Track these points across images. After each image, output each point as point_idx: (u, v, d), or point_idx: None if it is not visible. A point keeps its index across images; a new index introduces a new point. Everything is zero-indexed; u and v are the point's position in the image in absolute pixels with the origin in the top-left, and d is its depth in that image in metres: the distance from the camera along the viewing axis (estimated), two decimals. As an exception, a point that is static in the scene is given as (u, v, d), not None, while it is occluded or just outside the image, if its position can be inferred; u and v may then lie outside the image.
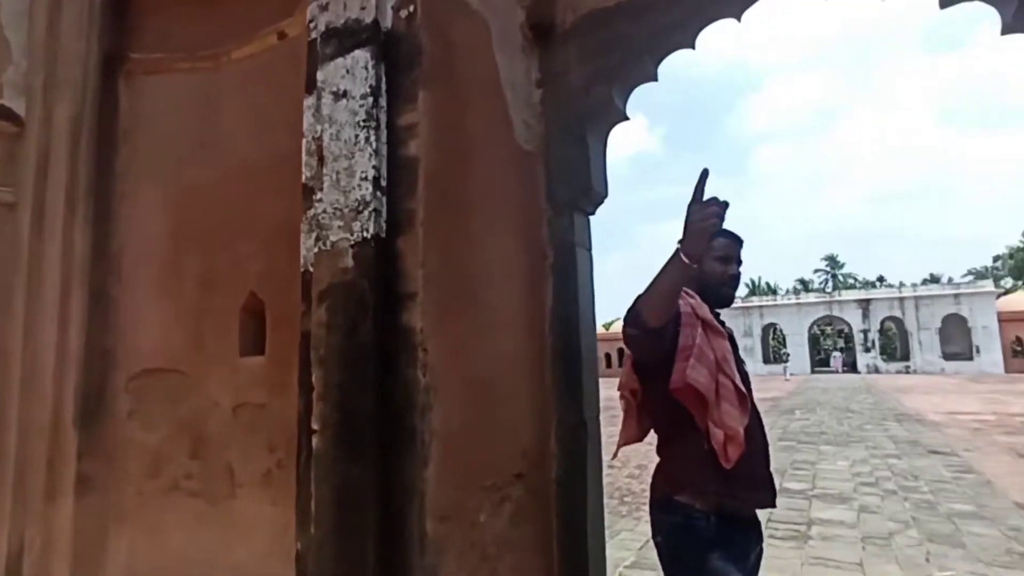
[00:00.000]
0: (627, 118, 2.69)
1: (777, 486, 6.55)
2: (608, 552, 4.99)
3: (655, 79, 2.63)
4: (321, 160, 2.08)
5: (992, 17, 2.12)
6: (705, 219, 1.55)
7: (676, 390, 1.71)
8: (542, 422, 2.38)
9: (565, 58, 2.65)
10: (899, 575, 4.13)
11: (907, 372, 39.19)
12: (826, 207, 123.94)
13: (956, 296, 40.13)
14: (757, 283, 69.08)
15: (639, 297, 1.69)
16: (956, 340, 39.66)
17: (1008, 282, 53.07)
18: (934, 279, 52.50)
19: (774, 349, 48.89)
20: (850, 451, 9.44)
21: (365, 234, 1.94)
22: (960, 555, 4.50)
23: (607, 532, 5.54)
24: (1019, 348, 38.58)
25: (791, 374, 38.02)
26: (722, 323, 1.88)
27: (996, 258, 62.15)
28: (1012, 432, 11.16)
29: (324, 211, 2.04)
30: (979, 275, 52.59)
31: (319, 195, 2.06)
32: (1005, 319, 38.29)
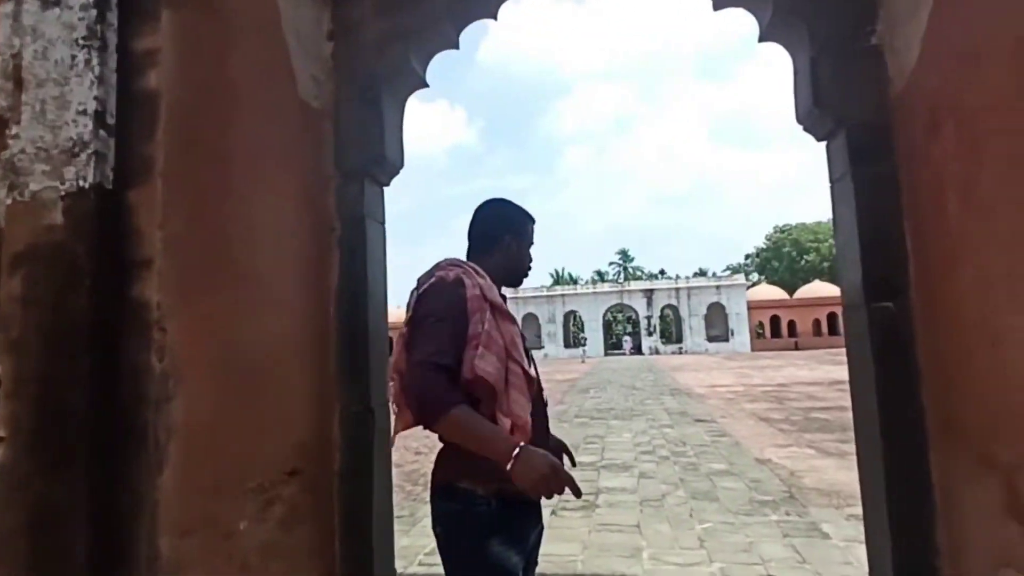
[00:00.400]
0: (426, 85, 2.53)
1: (570, 460, 6.68)
2: (408, 541, 4.89)
3: (455, 46, 2.50)
4: (20, 85, 1.60)
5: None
6: (551, 485, 1.43)
7: (467, 382, 1.60)
8: (323, 411, 2.14)
9: (360, 11, 2.40)
10: (669, 532, 4.60)
11: (680, 353, 45.21)
12: (621, 206, 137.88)
13: (718, 287, 47.28)
14: (561, 273, 74.34)
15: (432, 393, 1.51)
16: (717, 324, 46.77)
17: (755, 276, 63.82)
18: (702, 272, 61.13)
19: (574, 334, 53.05)
20: (633, 424, 10.49)
21: (82, 183, 1.52)
22: (715, 508, 5.17)
23: (409, 520, 5.44)
24: (761, 331, 46.77)
25: (588, 356, 41.53)
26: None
27: (747, 256, 74.43)
28: (754, 400, 13.36)
29: (23, 151, 1.57)
30: (735, 270, 62.46)
31: (15, 130, 1.58)
32: (752, 307, 46.13)
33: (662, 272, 69.86)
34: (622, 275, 70.72)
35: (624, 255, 74.63)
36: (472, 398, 1.60)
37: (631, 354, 46.75)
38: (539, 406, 1.73)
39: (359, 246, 2.28)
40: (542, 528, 1.82)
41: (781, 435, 8.76)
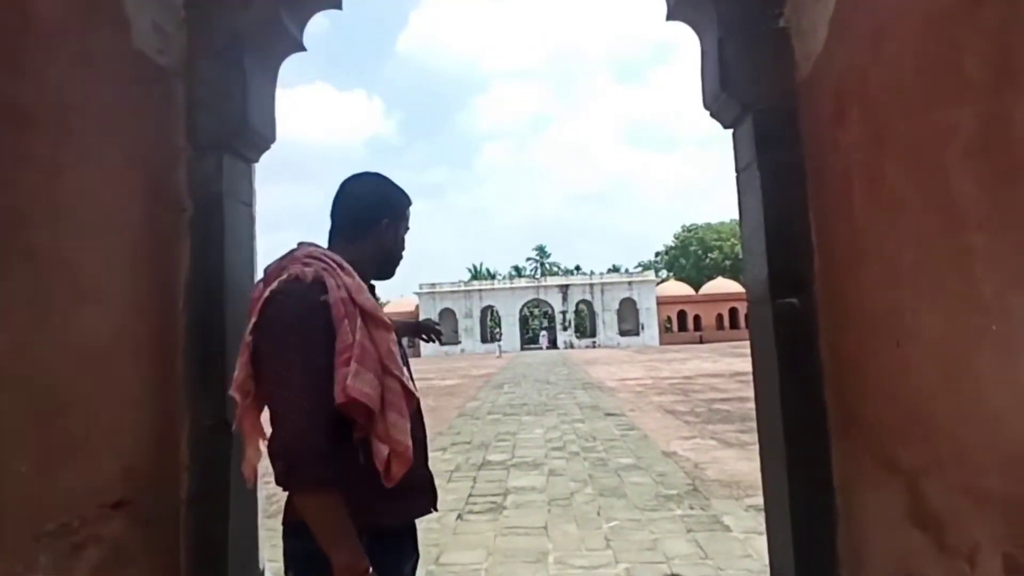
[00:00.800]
0: (302, 48, 2.21)
1: (480, 459, 6.64)
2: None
3: (337, 5, 2.20)
4: None
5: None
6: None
7: (339, 406, 1.32)
8: (166, 426, 1.79)
9: (221, -46, 2.05)
10: (576, 532, 4.50)
11: (594, 347, 46.34)
12: (537, 203, 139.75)
13: (629, 283, 48.83)
14: (479, 268, 74.26)
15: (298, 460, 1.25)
16: (628, 319, 48.33)
17: (664, 273, 66.59)
18: (615, 269, 62.97)
19: (491, 329, 53.14)
20: (546, 419, 10.47)
21: None
22: (623, 504, 5.14)
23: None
24: (669, 326, 48.79)
25: (503, 351, 41.68)
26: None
27: (657, 253, 77.50)
28: (662, 392, 13.76)
29: None
30: (646, 267, 64.85)
31: None
32: (661, 302, 48.04)
33: (577, 268, 71.36)
34: (539, 271, 71.62)
35: (541, 251, 75.59)
36: (342, 422, 1.33)
37: (547, 348, 47.41)
38: (418, 426, 1.48)
39: (216, 231, 1.94)
40: (418, 556, 1.58)
41: (686, 427, 9.00)
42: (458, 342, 48.32)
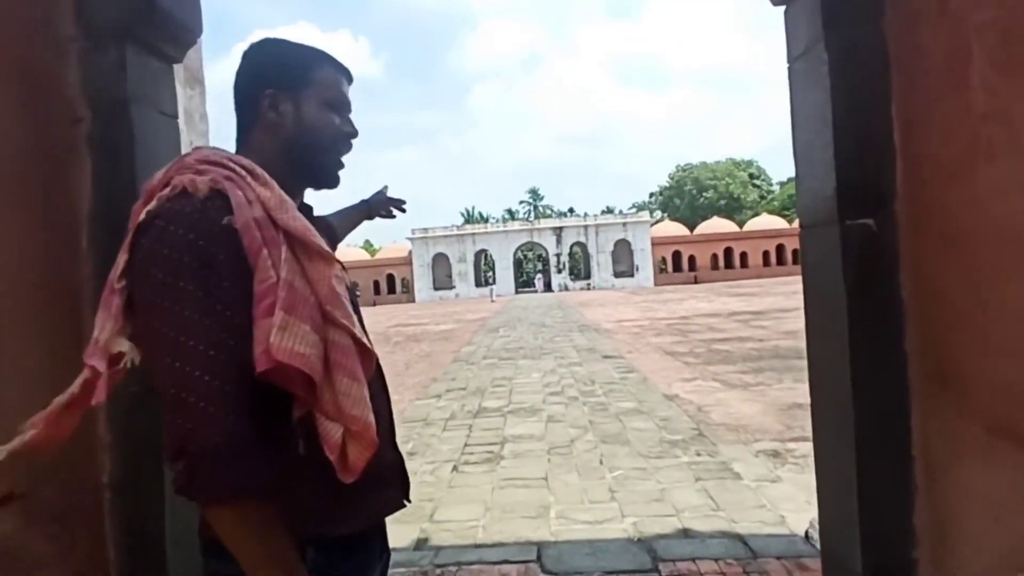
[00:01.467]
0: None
1: (476, 406, 6.32)
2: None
3: None
4: None
5: None
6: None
7: (264, 375, 0.88)
8: (73, 397, 1.41)
9: None
10: (578, 483, 4.27)
11: (588, 289, 46.26)
12: (529, 145, 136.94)
13: (624, 224, 48.31)
14: (472, 212, 73.31)
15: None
16: (623, 260, 48.07)
17: (658, 214, 65.96)
18: (609, 210, 62.23)
19: (485, 273, 52.87)
20: (542, 363, 10.25)
21: None
22: (626, 452, 4.91)
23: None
24: (663, 266, 48.65)
25: (497, 295, 41.55)
26: (320, 222, 1.13)
27: (651, 194, 76.62)
28: (659, 333, 13.57)
29: None
30: (640, 208, 64.14)
31: None
32: (656, 243, 47.70)
33: (571, 210, 70.46)
34: (532, 214, 70.74)
35: (534, 194, 74.46)
36: (270, 397, 0.94)
37: (543, 291, 47.30)
38: (381, 395, 1.08)
39: (123, 147, 1.50)
40: (389, 556, 1.23)
41: (687, 368, 8.78)
42: (452, 287, 48.09)
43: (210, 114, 2.93)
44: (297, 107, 1.02)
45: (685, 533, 3.37)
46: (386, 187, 1.76)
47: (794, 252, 47.85)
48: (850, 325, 1.35)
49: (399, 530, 3.62)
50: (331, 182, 1.10)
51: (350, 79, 1.12)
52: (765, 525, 3.42)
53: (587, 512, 3.74)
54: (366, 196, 1.76)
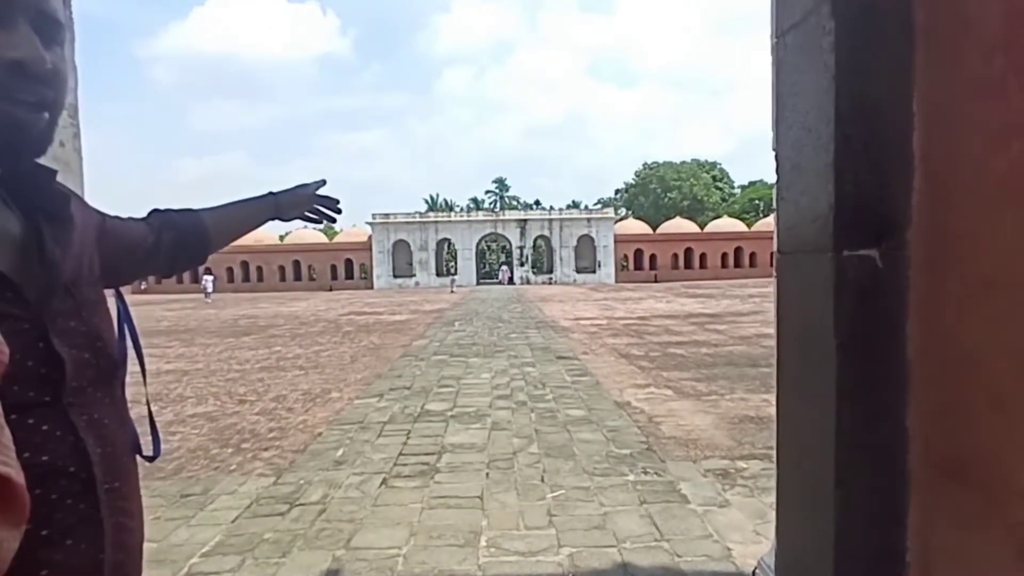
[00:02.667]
0: None
1: (418, 409, 5.88)
2: (186, 535, 3.79)
3: None
4: None
5: None
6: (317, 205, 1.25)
7: None
8: None
9: None
10: (515, 503, 3.92)
11: (550, 283, 46.14)
12: (497, 134, 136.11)
13: (588, 220, 48.31)
14: (436, 199, 72.35)
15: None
16: (586, 256, 48.13)
17: (623, 211, 66.36)
18: (575, 205, 62.25)
19: (447, 262, 52.17)
20: (495, 362, 9.88)
21: None
22: (570, 468, 4.59)
23: (199, 500, 4.32)
24: (625, 264, 48.94)
25: (458, 286, 41.03)
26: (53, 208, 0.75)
27: (617, 191, 77.10)
28: (616, 334, 13.38)
29: None
30: (605, 204, 64.28)
31: None
32: (619, 240, 47.92)
33: (537, 203, 70.24)
34: (498, 204, 70.22)
35: (501, 184, 73.92)
36: None
37: (507, 283, 46.96)
38: (53, 420, 0.68)
39: None
40: None
41: (640, 373, 8.55)
42: (413, 275, 47.29)
43: (85, 53, 2.43)
44: None
45: (624, 569, 3.06)
46: (322, 181, 1.32)
47: (751, 255, 48.77)
48: (838, 388, 1.01)
49: (308, 557, 3.21)
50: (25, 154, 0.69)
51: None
52: (711, 560, 3.14)
53: (521, 540, 3.40)
54: (319, 178, 1.33)
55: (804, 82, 1.09)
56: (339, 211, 1.35)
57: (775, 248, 1.24)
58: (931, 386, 0.98)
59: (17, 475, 0.50)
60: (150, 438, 0.92)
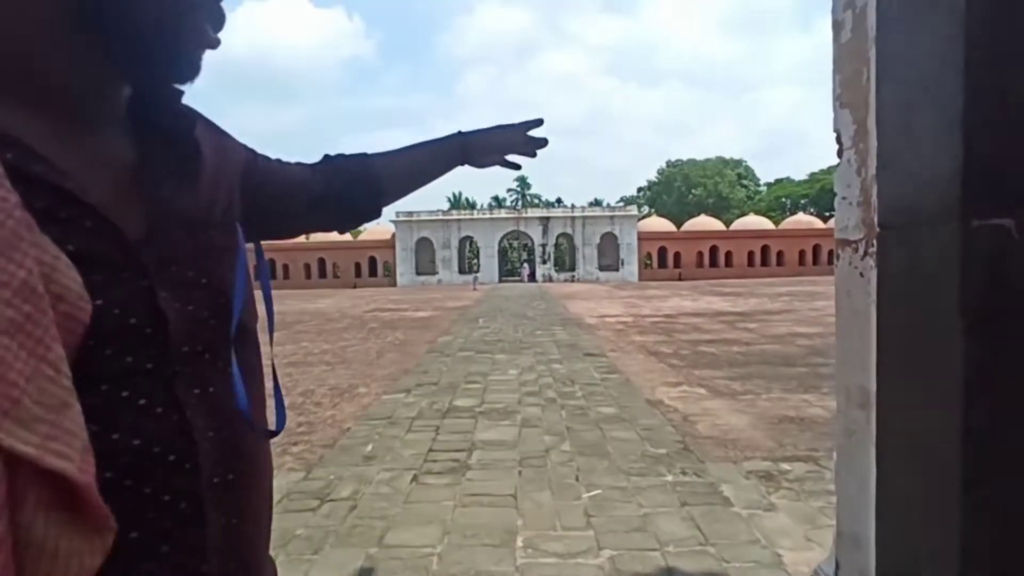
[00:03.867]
0: None
1: (446, 405, 5.85)
2: None
3: None
4: None
5: None
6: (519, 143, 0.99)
7: None
8: None
9: None
10: (551, 504, 3.81)
11: (573, 281, 45.89)
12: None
13: (611, 218, 47.92)
14: (459, 197, 72.51)
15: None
16: (608, 254, 47.75)
17: (646, 209, 65.78)
18: (597, 203, 61.82)
19: (469, 260, 52.23)
20: (521, 358, 9.78)
21: None
22: (605, 467, 4.46)
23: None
24: (648, 262, 48.45)
25: (481, 283, 41.03)
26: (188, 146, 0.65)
27: (639, 189, 76.46)
28: (644, 332, 13.18)
29: None
30: (628, 201, 63.78)
31: None
32: (642, 238, 47.44)
33: (559, 201, 69.95)
34: (520, 202, 70.09)
35: (522, 182, 73.74)
36: None
37: (528, 281, 46.86)
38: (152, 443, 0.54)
39: None
40: None
41: (671, 371, 8.37)
42: (435, 273, 47.46)
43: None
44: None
45: (670, 573, 2.93)
46: (538, 121, 1.07)
47: (778, 253, 47.87)
48: (966, 377, 0.89)
49: (341, 554, 3.14)
50: (164, 62, 0.59)
51: None
52: (760, 567, 2.99)
53: (559, 541, 3.29)
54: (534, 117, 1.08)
55: (919, 31, 0.97)
56: (543, 142, 1.09)
57: (876, 223, 1.11)
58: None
59: (79, 471, 0.40)
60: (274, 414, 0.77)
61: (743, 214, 57.68)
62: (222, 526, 0.60)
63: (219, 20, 0.63)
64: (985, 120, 0.87)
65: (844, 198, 2.30)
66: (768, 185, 74.58)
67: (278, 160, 0.87)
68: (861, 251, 1.32)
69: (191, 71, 0.62)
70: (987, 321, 0.88)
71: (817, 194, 57.51)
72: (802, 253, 47.16)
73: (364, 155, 0.95)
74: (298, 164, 0.90)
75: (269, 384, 0.78)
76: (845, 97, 2.32)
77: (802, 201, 64.91)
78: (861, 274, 1.69)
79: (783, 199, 68.31)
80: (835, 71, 2.49)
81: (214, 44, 0.64)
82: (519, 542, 3.28)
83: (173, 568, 0.56)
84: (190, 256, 0.61)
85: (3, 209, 0.39)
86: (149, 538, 0.54)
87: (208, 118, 0.73)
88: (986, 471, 0.88)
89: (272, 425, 0.72)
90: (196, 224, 0.63)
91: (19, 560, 0.38)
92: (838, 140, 2.47)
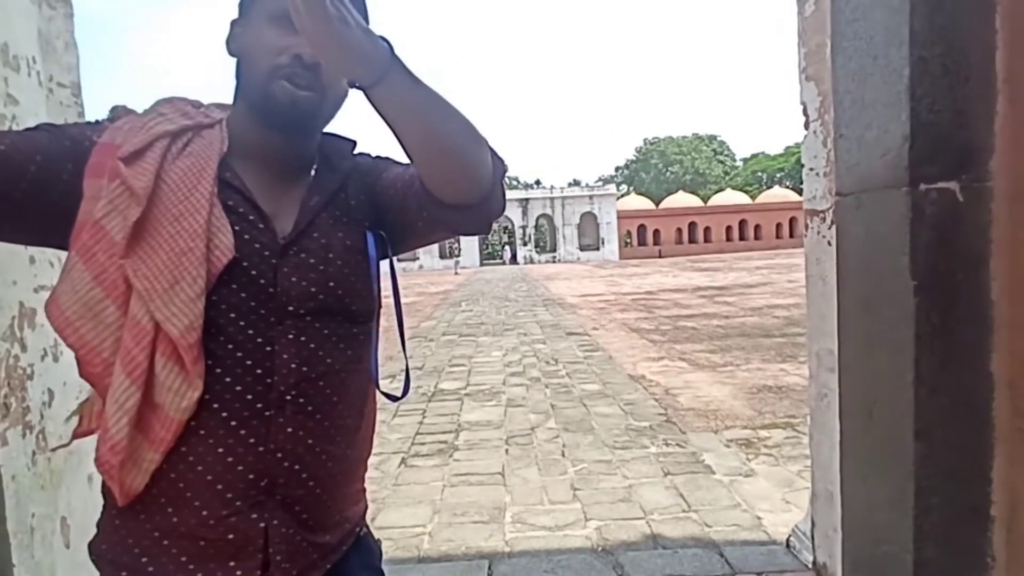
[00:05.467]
0: None
1: (432, 388, 5.89)
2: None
3: None
4: None
5: None
6: None
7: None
8: None
9: None
10: (537, 480, 3.89)
11: (554, 261, 46.02)
12: (494, 110, 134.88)
13: (591, 197, 48.00)
14: (436, 182, 71.94)
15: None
16: (589, 233, 47.92)
17: (624, 187, 65.95)
18: (576, 182, 61.84)
19: (450, 244, 52.01)
20: (504, 340, 9.85)
21: None
22: (590, 442, 4.56)
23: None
24: (628, 240, 48.72)
25: (462, 268, 40.99)
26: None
27: (617, 167, 76.55)
28: (625, 309, 13.32)
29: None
30: (606, 181, 63.91)
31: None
32: (621, 216, 47.64)
33: (537, 182, 69.77)
34: (498, 184, 69.64)
35: (500, 164, 73.27)
36: None
37: (510, 263, 46.88)
38: (226, 438, 0.76)
39: None
40: None
41: (652, 347, 8.51)
42: (416, 258, 47.24)
43: (81, 43, 2.35)
44: (243, 32, 0.85)
45: (654, 540, 3.03)
46: None
47: (756, 227, 48.45)
48: (917, 336, 0.94)
49: (333, 539, 3.19)
50: (279, 120, 0.83)
51: None
52: (741, 529, 3.10)
53: (546, 515, 3.37)
54: None
55: (868, 4, 1.01)
56: None
57: (826, 192, 1.17)
58: (1018, 329, 0.91)
59: (182, 337, 0.72)
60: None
61: (720, 190, 58.13)
62: (288, 433, 0.78)
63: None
64: (928, 89, 0.92)
65: (811, 169, 2.37)
66: (744, 160, 75.16)
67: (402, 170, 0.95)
68: (828, 220, 1.38)
69: (315, 118, 0.87)
70: (937, 280, 0.93)
71: (793, 167, 58.09)
72: (779, 226, 47.77)
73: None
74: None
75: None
76: (810, 70, 2.37)
77: (778, 175, 65.57)
78: (829, 243, 1.76)
79: (759, 173, 68.92)
80: (800, 44, 2.54)
81: None
82: (507, 517, 3.36)
83: (224, 459, 0.75)
84: (315, 248, 0.83)
85: (202, 203, 0.76)
86: (224, 419, 0.76)
87: (364, 151, 0.97)
88: (936, 420, 0.94)
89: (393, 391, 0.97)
90: (329, 229, 0.85)
91: (149, 386, 0.71)
92: (804, 112, 2.53)
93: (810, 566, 2.54)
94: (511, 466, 4.15)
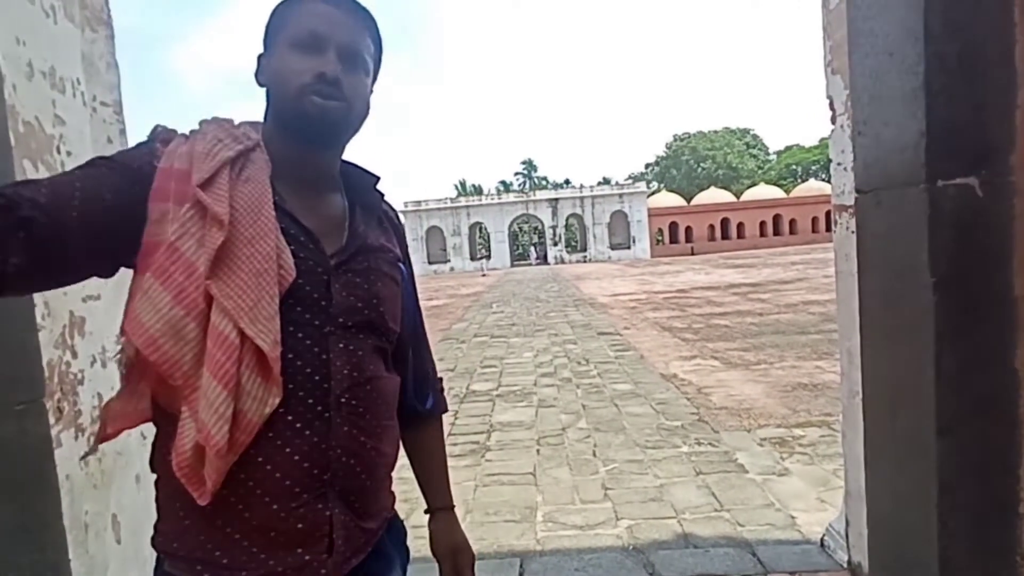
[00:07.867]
0: None
1: (463, 390, 5.96)
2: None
3: None
4: None
5: None
6: None
7: (133, 346, 0.82)
8: None
9: None
10: (569, 479, 3.91)
11: (584, 261, 45.80)
12: (522, 112, 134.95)
13: (620, 196, 47.62)
14: (465, 184, 72.38)
15: None
16: (619, 232, 47.55)
17: (655, 185, 65.19)
18: (606, 181, 61.39)
19: (480, 246, 52.27)
20: (536, 341, 9.87)
21: None
22: (621, 442, 4.55)
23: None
24: (660, 238, 48.19)
25: (491, 268, 41.13)
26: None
27: (647, 165, 75.71)
28: (656, 308, 13.20)
29: None
30: (636, 178, 63.26)
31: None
32: (652, 214, 47.14)
33: (567, 182, 69.53)
34: (528, 185, 69.80)
35: (530, 165, 73.40)
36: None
37: (537, 263, 46.86)
38: (304, 430, 0.85)
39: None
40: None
41: (685, 345, 8.42)
42: (447, 260, 47.59)
43: (122, 63, 2.45)
44: (270, 63, 0.93)
45: (686, 539, 3.02)
46: None
47: (791, 222, 47.35)
48: (937, 331, 0.94)
49: (369, 537, 3.26)
50: (312, 133, 0.91)
51: (339, 4, 0.92)
52: (774, 529, 3.07)
53: (578, 514, 3.39)
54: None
55: (884, 0, 1.00)
56: None
57: (853, 188, 1.16)
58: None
59: (270, 351, 0.80)
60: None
61: (753, 184, 57.01)
62: (345, 432, 0.87)
63: None
64: (945, 84, 0.91)
65: (839, 164, 2.33)
66: (778, 153, 73.52)
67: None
68: (856, 215, 1.36)
69: (342, 133, 0.96)
70: (957, 276, 0.92)
71: (829, 159, 56.51)
72: (815, 220, 46.54)
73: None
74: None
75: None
76: (836, 63, 2.33)
77: (813, 167, 63.94)
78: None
79: (794, 166, 67.34)
80: (825, 37, 2.51)
81: None
82: (539, 516, 3.38)
83: (291, 457, 0.83)
84: (360, 269, 0.93)
85: (269, 226, 0.84)
86: (279, 437, 0.83)
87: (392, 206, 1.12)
88: (958, 416, 0.94)
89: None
90: (371, 251, 0.96)
91: (236, 395, 0.78)
92: (831, 106, 2.49)
93: (845, 565, 2.50)
94: (542, 466, 4.17)
